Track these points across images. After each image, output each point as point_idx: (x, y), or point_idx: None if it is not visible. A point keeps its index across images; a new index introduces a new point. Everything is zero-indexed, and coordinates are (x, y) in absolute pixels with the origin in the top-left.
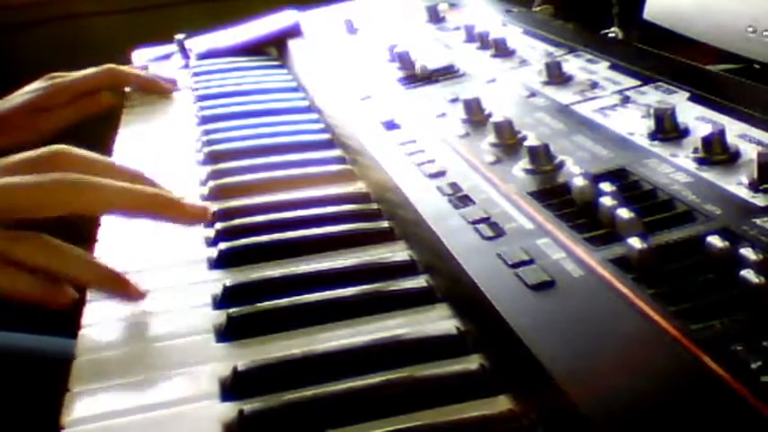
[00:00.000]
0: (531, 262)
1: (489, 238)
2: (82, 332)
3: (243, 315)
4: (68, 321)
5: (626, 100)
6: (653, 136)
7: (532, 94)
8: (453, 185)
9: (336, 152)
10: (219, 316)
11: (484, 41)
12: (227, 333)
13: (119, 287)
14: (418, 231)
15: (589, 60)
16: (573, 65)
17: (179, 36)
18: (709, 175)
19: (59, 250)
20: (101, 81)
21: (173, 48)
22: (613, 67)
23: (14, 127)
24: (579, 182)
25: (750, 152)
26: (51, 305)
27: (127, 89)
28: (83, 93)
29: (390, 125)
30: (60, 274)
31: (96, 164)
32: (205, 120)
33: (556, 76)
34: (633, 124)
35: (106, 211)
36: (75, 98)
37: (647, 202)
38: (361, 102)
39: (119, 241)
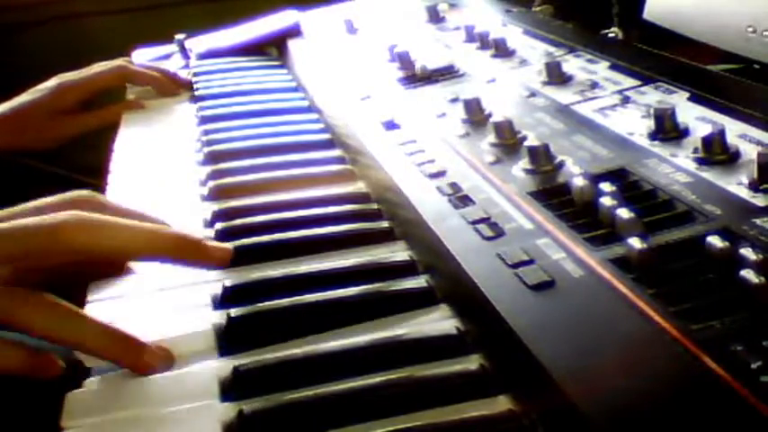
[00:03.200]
0: (531, 262)
1: (489, 239)
2: None
3: (243, 315)
4: None
5: (626, 100)
6: (653, 136)
7: (532, 94)
8: (453, 185)
9: (336, 152)
10: (219, 316)
11: (484, 41)
12: (227, 333)
13: (132, 357)
14: (418, 231)
15: (589, 60)
16: (573, 65)
17: (179, 36)
18: (709, 175)
19: (68, 316)
20: (111, 79)
21: (173, 48)
22: (613, 67)
23: (30, 129)
24: (579, 182)
25: (750, 152)
26: (41, 378)
27: (128, 88)
28: (94, 91)
29: (390, 125)
30: (68, 344)
31: (119, 211)
32: (205, 120)
33: (556, 76)
34: (633, 124)
35: (125, 254)
36: (88, 97)
37: (647, 202)
38: (361, 102)
39: None
